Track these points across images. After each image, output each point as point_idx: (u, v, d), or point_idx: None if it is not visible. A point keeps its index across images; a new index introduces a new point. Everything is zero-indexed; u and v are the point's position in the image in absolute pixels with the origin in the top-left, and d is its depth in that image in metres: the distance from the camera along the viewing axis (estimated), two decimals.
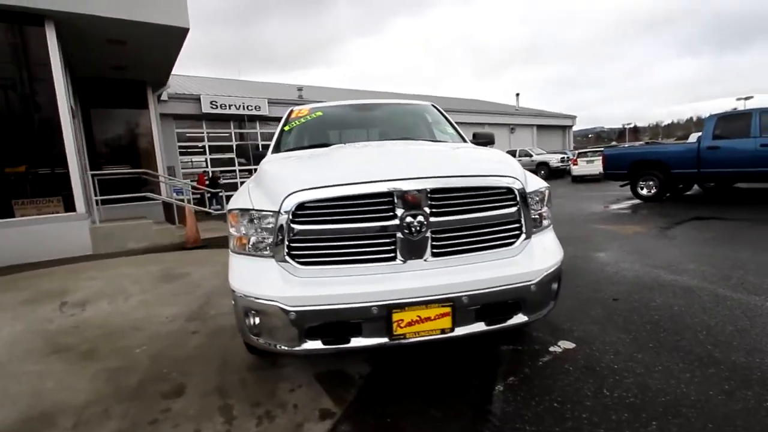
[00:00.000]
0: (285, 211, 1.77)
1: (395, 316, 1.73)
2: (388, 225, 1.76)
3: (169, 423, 1.91)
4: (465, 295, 1.77)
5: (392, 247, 1.79)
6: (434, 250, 1.83)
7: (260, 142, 16.92)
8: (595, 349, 2.32)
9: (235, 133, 16.95)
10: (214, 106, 15.51)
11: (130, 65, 8.43)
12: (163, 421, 1.93)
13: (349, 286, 1.75)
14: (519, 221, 1.95)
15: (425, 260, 1.82)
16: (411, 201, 1.76)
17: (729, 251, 4.22)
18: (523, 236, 1.97)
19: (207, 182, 14.30)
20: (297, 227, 1.78)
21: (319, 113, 3.41)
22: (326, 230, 1.78)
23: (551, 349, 2.36)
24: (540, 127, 28.71)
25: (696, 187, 9.91)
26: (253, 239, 1.90)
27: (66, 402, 2.15)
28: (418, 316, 1.75)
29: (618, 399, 1.85)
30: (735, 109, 13.25)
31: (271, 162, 2.46)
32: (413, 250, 1.81)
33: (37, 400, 2.18)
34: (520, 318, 1.91)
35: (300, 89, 19.04)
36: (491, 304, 1.83)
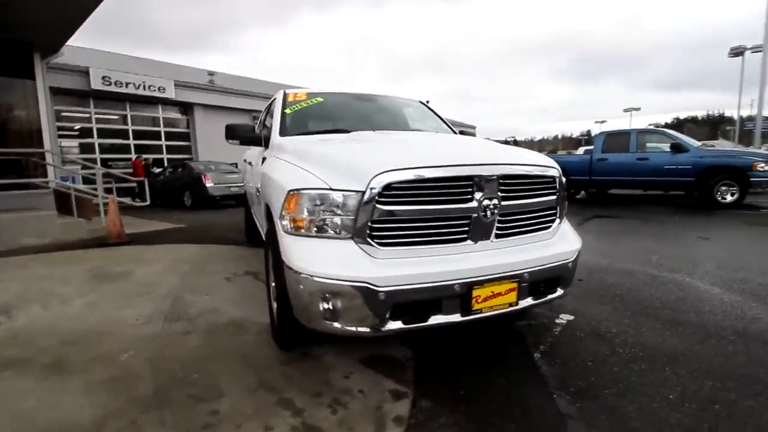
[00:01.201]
0: (371, 192, 1.75)
1: (475, 293, 1.84)
2: (466, 207, 1.87)
3: (228, 424, 1.72)
4: (527, 272, 1.97)
5: (466, 228, 1.90)
6: (497, 232, 1.99)
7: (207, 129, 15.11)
8: (590, 319, 2.73)
9: (131, 115, 14.86)
10: (107, 83, 13.40)
11: (13, 22, 6.80)
12: (219, 423, 1.73)
13: (432, 266, 1.81)
14: (556, 207, 2.22)
15: (491, 241, 1.97)
16: (487, 185, 1.89)
17: (638, 242, 5.22)
18: (558, 221, 2.26)
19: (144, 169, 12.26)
20: (382, 208, 1.77)
21: (320, 99, 3.31)
22: (409, 211, 1.81)
23: (557, 321, 2.71)
24: None
25: (583, 192, 11.85)
26: (327, 220, 1.82)
27: (68, 420, 1.78)
28: (492, 292, 1.89)
29: (631, 354, 2.24)
30: (599, 129, 16.09)
31: (314, 143, 2.37)
32: (483, 232, 1.94)
33: (28, 424, 1.76)
34: (558, 292, 2.18)
35: (211, 74, 17.49)
36: (543, 280, 2.07)
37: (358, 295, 1.72)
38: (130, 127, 14.79)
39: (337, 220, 1.81)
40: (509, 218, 2.01)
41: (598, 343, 2.39)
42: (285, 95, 3.26)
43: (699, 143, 9.12)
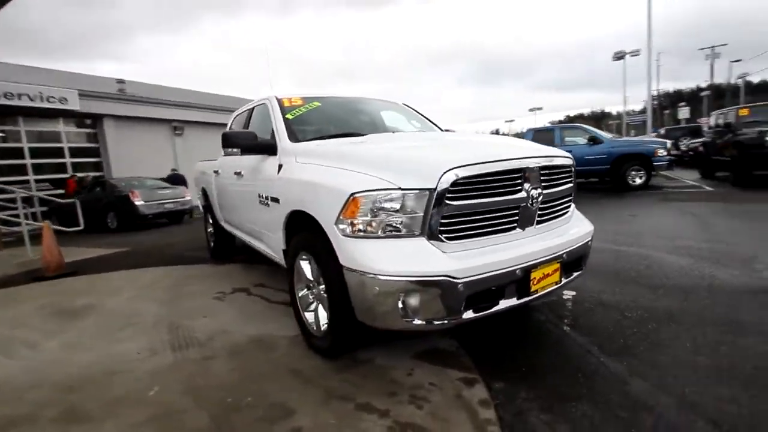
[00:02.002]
0: (441, 188, 1.81)
1: (532, 275, 2.00)
2: (518, 197, 2.02)
3: None
4: (565, 253, 2.18)
5: (516, 217, 2.05)
6: (537, 219, 2.17)
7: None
8: (589, 293, 3.06)
9: (26, 131, 12.84)
10: None
11: None
12: None
13: (496, 254, 1.92)
14: (571, 194, 2.48)
15: (534, 227, 2.15)
16: (533, 177, 2.06)
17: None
18: (572, 206, 2.52)
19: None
20: (450, 203, 1.84)
21: (317, 104, 3.24)
22: (471, 205, 1.90)
23: (564, 297, 3.00)
24: None
25: None
26: (397, 219, 1.84)
27: None
28: (543, 273, 2.06)
29: (638, 316, 2.58)
30: (509, 128, 17.74)
31: (347, 146, 2.38)
32: (529, 219, 2.11)
33: None
34: (580, 270, 2.44)
35: (121, 82, 15.72)
36: (574, 259, 2.30)
37: (438, 289, 1.77)
38: (25, 145, 12.71)
39: (407, 218, 1.84)
40: (546, 205, 2.21)
41: (607, 311, 2.71)
42: (279, 101, 3.14)
43: (610, 135, 10.52)
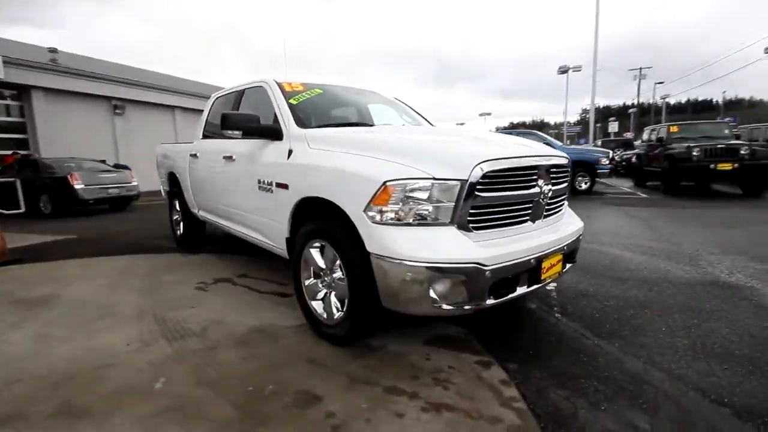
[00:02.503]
0: (473, 179, 1.90)
1: (543, 265, 2.15)
2: (532, 192, 2.16)
3: (357, 421, 1.68)
4: (566, 245, 2.37)
5: (529, 211, 2.20)
6: (544, 213, 2.34)
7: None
8: (568, 284, 3.33)
9: None
10: None
11: None
12: (347, 421, 1.67)
13: (515, 244, 2.05)
14: (567, 192, 2.69)
15: (542, 221, 2.31)
16: (545, 174, 2.22)
17: None
18: (566, 203, 2.73)
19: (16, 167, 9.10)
20: (480, 194, 1.94)
21: (319, 90, 3.19)
22: (496, 197, 2.01)
23: (549, 288, 3.23)
24: None
25: None
26: (428, 208, 1.89)
27: None
28: (551, 263, 2.23)
29: (616, 305, 2.87)
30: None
31: (369, 133, 2.39)
32: (538, 213, 2.27)
33: None
34: (574, 262, 2.65)
35: (53, 51, 14.07)
36: (571, 251, 2.50)
37: (468, 276, 1.86)
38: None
39: (439, 207, 1.90)
40: (551, 201, 2.38)
41: (589, 300, 2.98)
42: (280, 85, 3.05)
43: (560, 143, 11.33)
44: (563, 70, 25.99)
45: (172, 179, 5.02)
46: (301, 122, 2.76)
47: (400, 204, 1.91)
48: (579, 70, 25.20)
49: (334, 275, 2.30)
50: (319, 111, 3.01)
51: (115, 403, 1.84)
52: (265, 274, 3.78)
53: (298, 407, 1.79)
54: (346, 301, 2.20)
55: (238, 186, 3.22)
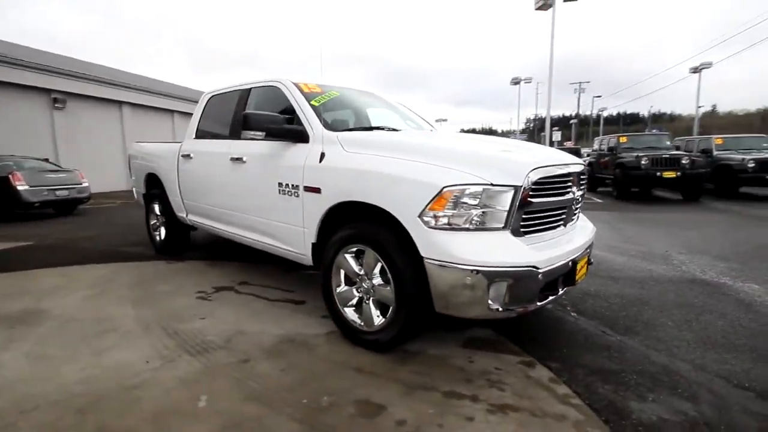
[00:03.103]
0: (526, 185, 1.97)
1: (577, 267, 2.28)
2: (568, 198, 2.29)
3: (430, 427, 1.67)
4: (589, 247, 2.53)
5: (564, 215, 2.32)
6: (572, 217, 2.48)
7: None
8: None
9: None
10: None
11: None
12: (420, 427, 1.66)
13: (557, 248, 2.15)
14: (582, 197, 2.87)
15: (571, 224, 2.45)
16: (576, 180, 2.35)
17: None
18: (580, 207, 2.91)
19: None
20: (531, 200, 2.02)
21: (336, 93, 3.12)
22: (541, 203, 2.10)
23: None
24: None
25: None
26: (485, 213, 1.94)
27: None
28: (581, 265, 2.36)
29: (619, 303, 3.08)
30: None
31: (409, 137, 2.42)
32: (569, 218, 2.40)
33: None
34: (591, 263, 2.82)
35: None
36: (590, 254, 2.66)
37: (524, 278, 1.93)
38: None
39: (494, 212, 1.95)
40: (576, 206, 2.53)
41: (595, 299, 3.18)
42: (297, 86, 2.96)
43: None
44: (515, 82, 27.47)
45: (152, 181, 4.68)
46: (328, 125, 2.70)
47: (457, 209, 1.94)
48: (529, 82, 26.78)
49: (374, 281, 2.28)
50: (336, 114, 2.96)
51: (162, 427, 1.69)
52: (267, 280, 3.63)
53: (364, 417, 1.75)
54: (392, 307, 2.18)
55: (250, 189, 3.07)
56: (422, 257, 2.00)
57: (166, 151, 4.28)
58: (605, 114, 56.32)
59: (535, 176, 2.00)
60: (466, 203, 1.94)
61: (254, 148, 3.05)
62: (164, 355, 2.28)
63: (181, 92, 20.51)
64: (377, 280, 2.27)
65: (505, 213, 1.97)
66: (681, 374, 2.08)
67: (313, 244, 2.63)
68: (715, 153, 10.47)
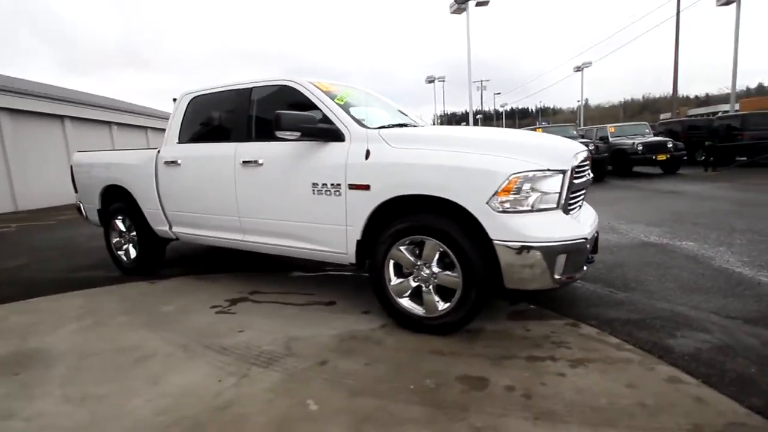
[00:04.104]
0: (570, 170, 2.27)
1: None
2: (587, 180, 2.66)
3: (534, 391, 1.88)
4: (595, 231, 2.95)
5: (582, 195, 2.69)
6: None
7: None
8: None
9: None
10: None
11: None
12: (529, 395, 1.86)
13: (587, 223, 2.50)
14: None
15: (583, 205, 2.84)
16: (590, 166, 2.74)
17: None
18: None
19: None
20: (574, 182, 2.33)
21: (350, 92, 3.14)
22: (577, 184, 2.44)
23: None
24: None
25: None
26: (543, 196, 2.20)
27: None
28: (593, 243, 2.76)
29: (606, 265, 3.62)
30: None
31: (457, 132, 2.58)
32: (582, 200, 2.78)
33: None
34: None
35: None
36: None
37: (579, 249, 2.24)
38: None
39: (550, 195, 2.22)
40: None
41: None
42: (316, 85, 2.93)
43: None
44: (430, 80, 29.02)
45: (111, 195, 4.15)
46: (360, 123, 2.74)
47: (520, 194, 2.17)
48: (443, 81, 28.52)
49: (434, 269, 2.41)
50: (358, 112, 2.98)
51: None
52: (278, 287, 3.52)
53: (476, 390, 1.90)
54: (458, 290, 2.34)
55: (271, 192, 2.96)
56: (491, 240, 2.20)
57: (136, 159, 3.84)
58: (506, 109, 62.36)
59: (575, 161, 2.33)
60: (528, 188, 2.18)
61: (272, 150, 2.95)
62: (232, 372, 2.16)
63: (107, 102, 18.30)
64: (436, 268, 2.41)
65: (557, 195, 2.25)
66: (686, 315, 2.58)
67: (358, 242, 2.66)
68: (610, 139, 12.37)
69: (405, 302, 2.55)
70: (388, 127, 2.78)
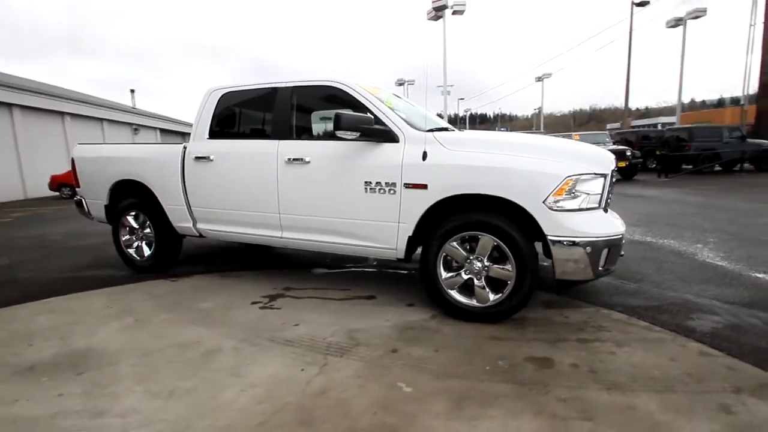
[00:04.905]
0: (610, 174, 2.57)
1: None
2: (614, 182, 2.98)
3: (595, 366, 2.14)
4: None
5: (610, 198, 3.01)
6: None
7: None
8: None
9: None
10: None
11: None
12: (594, 369, 2.11)
13: (618, 221, 2.81)
14: None
15: None
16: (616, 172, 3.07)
17: None
18: None
19: None
20: (611, 186, 2.63)
21: (389, 93, 3.28)
22: (610, 187, 2.74)
23: None
24: (164, 130, 26.79)
25: None
26: (592, 196, 2.47)
27: None
28: None
29: None
30: None
31: (505, 137, 2.79)
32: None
33: None
34: None
35: None
36: None
37: (618, 243, 2.54)
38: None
39: (595, 195, 2.51)
40: None
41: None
42: (365, 88, 3.04)
43: None
44: (400, 83, 29.48)
45: (123, 190, 4.00)
46: (412, 125, 2.89)
47: (571, 194, 2.43)
48: (413, 84, 29.11)
49: (486, 262, 2.62)
50: (403, 114, 3.13)
51: (406, 412, 1.78)
52: (307, 283, 3.60)
53: (547, 368, 2.12)
54: (510, 282, 2.56)
55: (321, 190, 3.03)
56: (545, 235, 2.44)
57: (158, 154, 3.74)
58: (467, 114, 64.43)
59: (612, 165, 2.63)
60: (578, 189, 2.44)
61: (319, 148, 3.04)
62: (310, 362, 2.24)
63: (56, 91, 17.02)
64: (487, 261, 2.62)
65: (599, 195, 2.54)
66: (694, 301, 2.97)
67: (409, 238, 2.81)
68: None
69: (456, 294, 2.74)
70: (436, 130, 2.95)
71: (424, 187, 2.70)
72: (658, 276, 3.55)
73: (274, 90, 3.34)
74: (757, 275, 3.48)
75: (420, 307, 2.96)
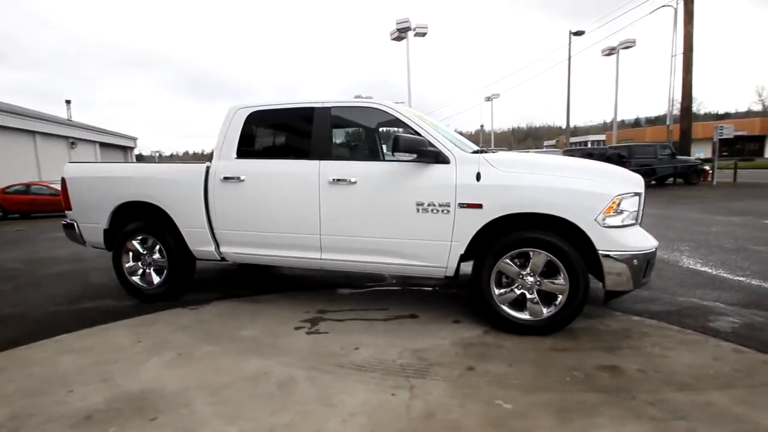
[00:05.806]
0: (643, 193, 2.85)
1: None
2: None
3: (658, 367, 2.34)
4: None
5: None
6: None
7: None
8: None
9: None
10: None
11: None
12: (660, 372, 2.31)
13: (652, 237, 3.09)
14: None
15: None
16: None
17: None
18: None
19: None
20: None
21: (424, 115, 3.37)
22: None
23: None
24: (103, 144, 24.68)
25: None
26: (633, 214, 2.72)
27: None
28: None
29: None
30: None
31: (548, 159, 2.97)
32: None
33: None
34: None
35: None
36: None
37: (654, 256, 2.80)
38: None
39: (635, 213, 2.76)
40: None
41: None
42: (410, 110, 3.12)
43: None
44: (357, 97, 29.78)
45: (127, 213, 3.70)
46: (458, 147, 3.00)
47: (618, 212, 2.67)
48: (370, 98, 29.53)
49: (538, 278, 2.78)
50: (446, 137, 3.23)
51: (513, 428, 1.83)
52: (341, 305, 3.54)
53: (619, 375, 2.28)
54: (563, 295, 2.73)
55: (367, 210, 3.03)
56: (597, 250, 2.65)
57: (176, 174, 3.51)
58: None
59: (643, 185, 2.92)
60: (623, 208, 2.69)
61: (365, 168, 3.06)
62: (395, 386, 2.22)
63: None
64: (540, 277, 2.78)
65: (636, 212, 2.81)
66: (704, 305, 3.33)
67: (461, 256, 2.90)
68: None
69: (508, 309, 2.85)
70: (480, 152, 3.09)
71: (479, 206, 2.81)
72: (661, 283, 3.93)
73: (310, 110, 3.31)
74: (739, 279, 3.98)
75: (468, 324, 3.04)
